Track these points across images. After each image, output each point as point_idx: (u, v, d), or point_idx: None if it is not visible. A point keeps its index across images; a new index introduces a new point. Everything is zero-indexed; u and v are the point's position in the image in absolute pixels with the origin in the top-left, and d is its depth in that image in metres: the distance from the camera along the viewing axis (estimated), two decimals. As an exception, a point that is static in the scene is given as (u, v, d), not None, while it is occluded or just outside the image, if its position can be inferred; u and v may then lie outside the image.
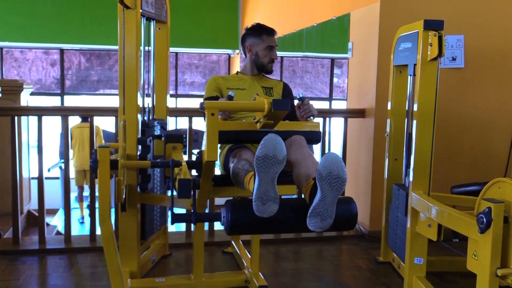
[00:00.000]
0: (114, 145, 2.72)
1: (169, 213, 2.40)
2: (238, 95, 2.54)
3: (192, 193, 2.03)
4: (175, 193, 2.12)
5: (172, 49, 4.90)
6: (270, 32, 2.71)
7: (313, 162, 2.09)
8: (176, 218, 2.05)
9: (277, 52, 2.75)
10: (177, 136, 2.38)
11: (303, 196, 2.05)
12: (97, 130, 6.89)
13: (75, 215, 7.16)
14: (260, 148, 1.79)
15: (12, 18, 7.92)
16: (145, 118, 3.04)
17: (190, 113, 3.51)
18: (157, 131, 2.91)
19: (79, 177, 7.15)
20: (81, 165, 7.02)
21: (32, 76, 9.22)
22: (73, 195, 7.19)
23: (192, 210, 2.15)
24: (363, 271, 3.16)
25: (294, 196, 2.80)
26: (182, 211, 2.96)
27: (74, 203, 7.31)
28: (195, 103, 8.72)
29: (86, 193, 7.33)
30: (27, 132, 4.61)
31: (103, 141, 6.93)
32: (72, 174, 7.04)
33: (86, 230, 6.85)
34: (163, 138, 2.87)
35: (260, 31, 2.70)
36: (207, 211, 3.34)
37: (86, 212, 7.17)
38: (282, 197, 1.96)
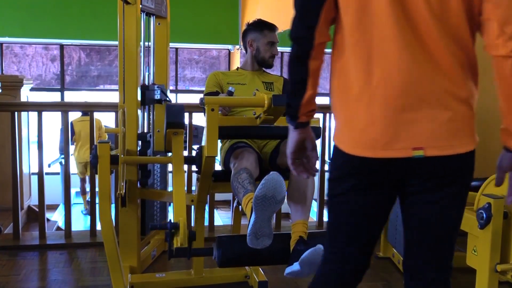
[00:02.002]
0: (114, 130, 2.70)
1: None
2: (238, 90, 2.54)
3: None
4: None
5: (172, 45, 4.89)
6: (272, 27, 2.71)
7: (307, 188, 2.14)
8: (173, 255, 2.09)
9: (278, 48, 2.74)
10: (178, 123, 2.38)
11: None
12: (99, 123, 6.88)
13: (75, 210, 7.18)
14: (260, 187, 1.79)
15: (12, 13, 7.90)
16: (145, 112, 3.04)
17: (190, 108, 3.50)
18: (157, 95, 2.89)
19: (82, 169, 7.18)
20: (84, 158, 7.03)
21: (32, 71, 9.22)
22: (74, 190, 7.20)
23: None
24: (363, 266, 3.16)
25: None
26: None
27: (75, 199, 7.33)
28: (195, 98, 8.72)
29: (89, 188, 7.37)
30: (27, 128, 4.61)
31: (105, 136, 6.93)
32: (74, 168, 7.06)
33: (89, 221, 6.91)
34: (163, 103, 2.84)
35: (262, 26, 2.70)
36: (206, 207, 3.35)
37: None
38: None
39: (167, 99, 2.94)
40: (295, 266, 1.91)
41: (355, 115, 1.34)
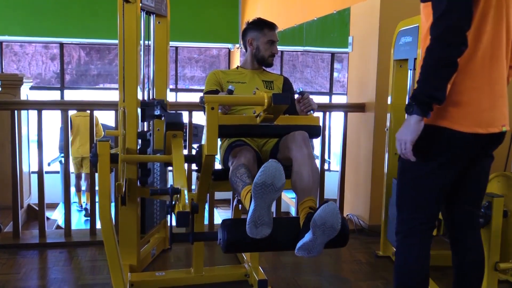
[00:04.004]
0: (114, 133, 2.71)
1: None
2: (238, 89, 2.54)
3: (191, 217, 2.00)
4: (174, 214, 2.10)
5: (172, 43, 4.89)
6: (271, 26, 2.71)
7: (311, 171, 2.07)
8: (175, 239, 2.05)
9: (278, 47, 2.75)
10: (177, 124, 2.37)
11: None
12: (95, 120, 6.86)
13: (75, 209, 7.17)
14: (259, 174, 1.78)
15: (11, 12, 7.90)
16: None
17: (190, 107, 3.51)
18: (157, 111, 2.89)
19: (78, 165, 7.10)
20: (79, 153, 6.96)
21: (32, 70, 9.21)
22: (74, 189, 7.19)
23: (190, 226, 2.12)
24: (363, 265, 3.17)
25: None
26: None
27: (74, 197, 7.31)
28: (195, 97, 8.72)
29: (83, 187, 7.33)
30: (27, 126, 4.61)
31: (102, 132, 6.91)
32: (71, 166, 7.02)
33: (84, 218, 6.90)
34: (162, 118, 2.84)
35: (262, 25, 2.70)
36: (206, 205, 3.35)
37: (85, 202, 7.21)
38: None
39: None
40: (307, 236, 1.85)
41: (476, 103, 1.76)
